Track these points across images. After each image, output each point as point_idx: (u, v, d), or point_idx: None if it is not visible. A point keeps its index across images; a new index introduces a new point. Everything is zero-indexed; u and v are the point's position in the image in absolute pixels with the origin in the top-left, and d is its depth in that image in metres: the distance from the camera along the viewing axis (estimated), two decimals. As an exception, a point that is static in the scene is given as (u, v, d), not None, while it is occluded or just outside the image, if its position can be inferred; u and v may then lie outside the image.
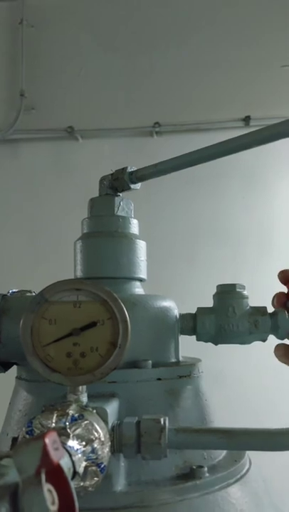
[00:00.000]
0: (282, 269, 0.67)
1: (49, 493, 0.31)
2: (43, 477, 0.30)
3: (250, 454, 0.66)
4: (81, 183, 1.90)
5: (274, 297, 0.66)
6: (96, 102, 2.38)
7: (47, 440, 0.31)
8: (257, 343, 0.66)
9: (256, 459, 0.66)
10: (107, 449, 0.47)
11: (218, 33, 2.34)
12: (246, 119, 2.26)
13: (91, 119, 2.38)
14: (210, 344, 0.67)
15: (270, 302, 0.66)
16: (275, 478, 0.97)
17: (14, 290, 0.70)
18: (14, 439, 0.48)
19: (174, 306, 0.67)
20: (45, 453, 0.31)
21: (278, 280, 0.67)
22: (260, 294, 0.72)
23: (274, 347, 0.64)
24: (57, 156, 2.42)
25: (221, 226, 2.29)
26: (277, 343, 0.64)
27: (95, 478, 0.45)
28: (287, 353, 0.63)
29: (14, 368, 0.69)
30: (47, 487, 0.31)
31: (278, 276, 0.66)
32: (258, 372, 2.08)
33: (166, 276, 2.02)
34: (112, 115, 2.37)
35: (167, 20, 2.38)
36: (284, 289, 0.67)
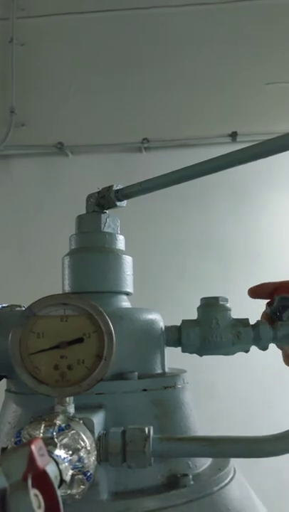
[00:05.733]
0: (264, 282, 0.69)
1: (35, 497, 0.33)
2: (29, 482, 0.32)
3: (238, 461, 0.67)
4: (71, 198, 1.92)
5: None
6: (85, 118, 2.42)
7: (33, 447, 0.33)
8: (253, 357, 0.68)
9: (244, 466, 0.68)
10: (93, 458, 0.48)
11: (205, 51, 2.40)
12: (233, 135, 2.31)
13: (81, 135, 2.41)
14: (206, 357, 0.68)
15: (260, 315, 0.68)
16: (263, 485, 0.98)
17: (4, 305, 0.71)
18: (3, 449, 0.50)
19: (159, 319, 0.69)
20: (31, 459, 0.32)
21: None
22: (249, 307, 0.74)
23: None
24: (47, 171, 2.45)
25: (210, 239, 2.32)
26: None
27: (82, 486, 0.46)
28: None
29: (3, 381, 0.70)
30: (33, 492, 0.33)
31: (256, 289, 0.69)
32: (254, 384, 2.10)
33: (156, 289, 2.05)
34: (101, 131, 2.41)
35: (156, 39, 2.44)
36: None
